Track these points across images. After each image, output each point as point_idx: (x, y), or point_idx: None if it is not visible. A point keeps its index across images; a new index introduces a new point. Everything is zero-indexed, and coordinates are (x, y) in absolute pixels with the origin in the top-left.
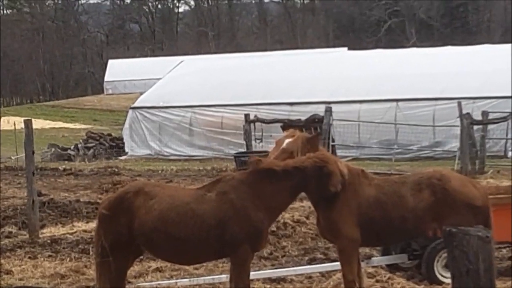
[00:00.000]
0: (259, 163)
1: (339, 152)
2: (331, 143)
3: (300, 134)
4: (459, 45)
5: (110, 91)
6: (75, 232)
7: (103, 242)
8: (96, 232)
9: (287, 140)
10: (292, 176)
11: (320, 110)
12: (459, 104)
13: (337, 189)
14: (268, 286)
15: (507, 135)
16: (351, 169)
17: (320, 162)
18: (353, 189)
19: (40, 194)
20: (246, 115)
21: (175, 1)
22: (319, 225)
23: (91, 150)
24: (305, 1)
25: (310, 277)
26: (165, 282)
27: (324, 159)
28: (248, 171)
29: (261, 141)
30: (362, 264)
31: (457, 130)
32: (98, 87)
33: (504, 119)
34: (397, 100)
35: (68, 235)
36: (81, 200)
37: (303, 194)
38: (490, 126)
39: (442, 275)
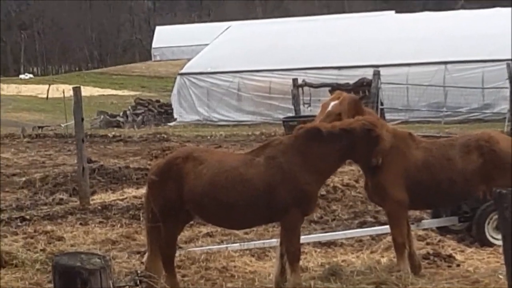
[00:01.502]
0: (306, 127)
1: (388, 116)
2: (379, 107)
3: (346, 95)
4: (507, 6)
5: (158, 58)
6: (125, 198)
7: (153, 208)
8: (146, 198)
9: (332, 103)
10: (340, 138)
11: (368, 73)
12: (508, 66)
13: (378, 162)
14: (319, 249)
15: None
16: (398, 133)
17: (369, 125)
18: (401, 152)
19: (90, 161)
20: (294, 80)
21: None
22: (367, 189)
23: (140, 117)
24: None
25: (361, 241)
26: (216, 247)
27: (373, 122)
28: (295, 134)
29: (309, 106)
30: (412, 226)
31: (507, 92)
32: (146, 54)
33: None
34: (445, 63)
35: (118, 201)
36: (131, 166)
37: None
38: None
39: (493, 237)
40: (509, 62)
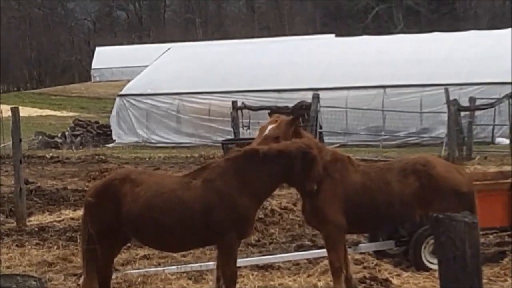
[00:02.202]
0: (243, 150)
1: (326, 139)
2: (318, 130)
3: (283, 119)
4: (446, 31)
5: (97, 79)
6: (63, 220)
7: (90, 230)
8: (83, 220)
9: (270, 126)
10: (277, 160)
11: (308, 97)
12: (446, 91)
13: (313, 189)
14: (256, 273)
15: (494, 121)
16: (337, 156)
17: (305, 147)
18: (339, 176)
19: (27, 182)
20: (234, 102)
21: None
22: (304, 212)
23: (78, 138)
24: None
25: (298, 264)
26: (153, 269)
27: (309, 144)
28: (233, 156)
29: (249, 128)
30: (349, 250)
31: (444, 117)
32: (85, 75)
33: (491, 105)
34: (384, 87)
35: (55, 223)
36: (69, 187)
37: None
38: (477, 112)
39: (429, 261)
40: (447, 87)
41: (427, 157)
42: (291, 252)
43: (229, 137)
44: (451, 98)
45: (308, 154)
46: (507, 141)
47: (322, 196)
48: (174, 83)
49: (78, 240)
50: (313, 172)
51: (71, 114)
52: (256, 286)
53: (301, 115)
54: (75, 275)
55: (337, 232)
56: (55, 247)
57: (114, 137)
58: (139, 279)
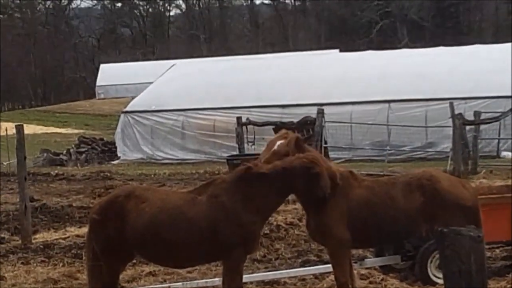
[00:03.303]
0: (248, 167)
1: (331, 154)
2: (323, 145)
3: (293, 136)
4: (450, 45)
5: (102, 96)
6: (68, 237)
7: (95, 247)
8: (88, 237)
9: (278, 142)
10: (281, 176)
11: (312, 112)
12: (451, 105)
13: (325, 193)
14: None
15: (499, 135)
16: (340, 171)
17: (309, 163)
18: (343, 191)
19: (32, 200)
20: (238, 118)
21: (166, 5)
22: (308, 228)
23: (83, 155)
24: (296, 3)
25: (304, 280)
26: (159, 286)
27: (313, 160)
28: (238, 172)
29: (254, 144)
30: (355, 265)
31: (450, 131)
32: (90, 92)
33: (496, 119)
34: (389, 101)
35: (60, 240)
36: (74, 205)
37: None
38: (482, 126)
39: (435, 276)
40: (452, 101)
41: (431, 172)
42: (297, 267)
43: (234, 152)
44: (456, 112)
45: (312, 169)
46: None
47: (326, 211)
48: (179, 99)
49: (84, 257)
50: (320, 185)
51: (76, 131)
52: None
53: (311, 135)
54: None
55: (342, 247)
56: (61, 264)
57: (119, 154)
58: None
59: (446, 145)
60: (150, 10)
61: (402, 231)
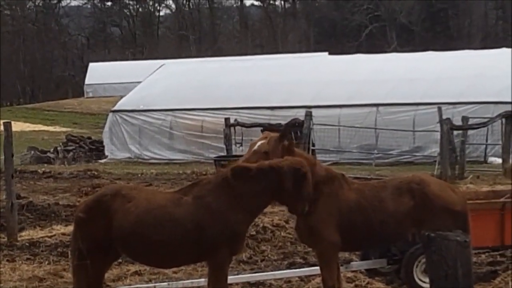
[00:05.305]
0: (233, 167)
1: (319, 157)
2: (311, 148)
3: (273, 135)
4: (439, 50)
5: (90, 94)
6: (54, 235)
7: (80, 245)
8: (73, 235)
9: (259, 142)
10: (268, 176)
11: (301, 114)
12: (439, 109)
13: (304, 211)
14: None
15: (487, 140)
16: (331, 173)
17: (296, 164)
18: (333, 194)
19: (19, 197)
20: (227, 119)
21: (156, 5)
22: (297, 230)
23: (71, 153)
24: (286, 6)
25: (289, 282)
26: (144, 285)
27: (300, 161)
28: (223, 173)
29: (241, 145)
30: (341, 268)
31: (437, 135)
32: (78, 90)
33: (484, 124)
34: (377, 105)
35: (46, 238)
36: (60, 203)
37: None
38: (470, 132)
39: (421, 280)
40: (440, 105)
41: (421, 176)
42: (283, 269)
43: (222, 153)
44: (444, 117)
45: (299, 170)
46: (499, 160)
47: (316, 213)
48: (167, 99)
49: (69, 256)
50: (304, 191)
51: (63, 129)
52: None
53: (290, 131)
54: None
55: (331, 250)
56: (46, 262)
57: (106, 153)
58: None
59: (434, 150)
60: (140, 9)
61: (391, 234)
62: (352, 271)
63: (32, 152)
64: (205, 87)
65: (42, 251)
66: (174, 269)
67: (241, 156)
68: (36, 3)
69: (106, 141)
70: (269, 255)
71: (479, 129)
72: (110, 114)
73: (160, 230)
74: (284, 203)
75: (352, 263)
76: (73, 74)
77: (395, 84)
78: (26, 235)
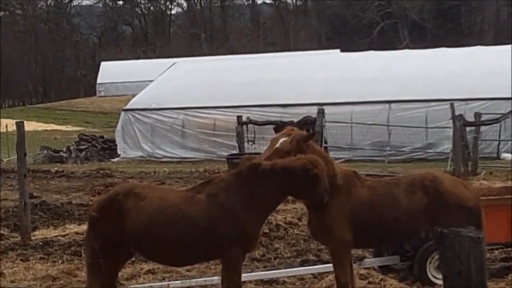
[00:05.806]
0: (247, 162)
1: (331, 154)
2: (323, 145)
3: (296, 133)
4: (451, 46)
5: (102, 93)
6: (67, 234)
7: (94, 244)
8: (87, 234)
9: (281, 139)
10: (280, 176)
11: (313, 111)
12: (452, 106)
13: (323, 199)
14: (260, 287)
15: (499, 136)
16: (343, 171)
17: (309, 164)
18: (346, 191)
19: (32, 196)
20: (239, 117)
21: (168, 3)
22: (310, 226)
23: (83, 152)
24: (298, 3)
25: (303, 279)
26: (157, 284)
27: (313, 161)
28: (237, 171)
29: (254, 143)
30: (354, 265)
31: (450, 132)
32: (90, 89)
33: (496, 120)
34: (389, 102)
35: (60, 237)
36: (73, 202)
37: None
38: (482, 128)
39: (434, 277)
40: (453, 102)
41: (434, 173)
42: (296, 267)
43: (234, 151)
44: (457, 113)
45: (311, 171)
46: None
47: (329, 211)
48: (179, 98)
49: (83, 255)
50: (319, 188)
51: (76, 128)
52: None
53: (316, 132)
54: None
55: (344, 247)
56: (60, 261)
57: (119, 152)
58: None
59: (446, 146)
60: (152, 8)
61: (404, 231)
62: (365, 268)
63: (45, 151)
64: (217, 85)
65: (55, 250)
66: (188, 267)
67: (253, 153)
68: (48, 3)
69: (118, 140)
70: (282, 253)
71: (492, 125)
72: (122, 113)
73: (173, 228)
74: (300, 198)
75: (365, 260)
76: (84, 73)
77: (407, 81)
78: (40, 234)
